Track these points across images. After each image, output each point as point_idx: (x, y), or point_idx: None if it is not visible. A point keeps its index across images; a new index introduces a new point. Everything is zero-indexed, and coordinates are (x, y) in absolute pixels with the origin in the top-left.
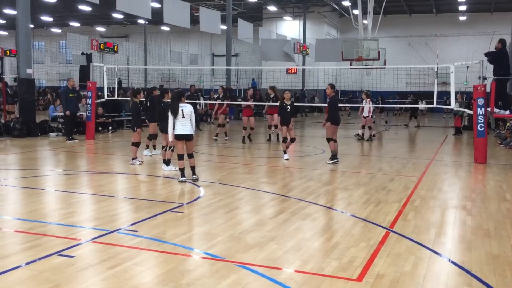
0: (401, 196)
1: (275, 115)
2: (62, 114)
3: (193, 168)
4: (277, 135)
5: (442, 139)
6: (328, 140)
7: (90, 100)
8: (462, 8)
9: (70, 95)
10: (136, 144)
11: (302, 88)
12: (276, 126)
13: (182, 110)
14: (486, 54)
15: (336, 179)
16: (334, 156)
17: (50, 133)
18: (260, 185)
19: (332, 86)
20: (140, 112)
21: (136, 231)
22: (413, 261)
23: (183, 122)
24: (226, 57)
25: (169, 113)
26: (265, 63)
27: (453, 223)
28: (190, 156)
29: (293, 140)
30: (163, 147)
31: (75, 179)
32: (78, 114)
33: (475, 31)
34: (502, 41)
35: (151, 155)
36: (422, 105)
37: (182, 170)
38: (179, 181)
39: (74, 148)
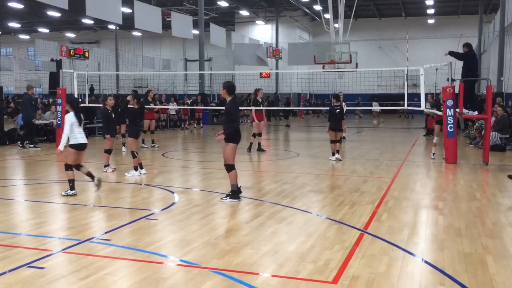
0: (374, 198)
1: (262, 122)
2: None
3: (90, 174)
4: (259, 144)
5: (414, 140)
6: (230, 168)
7: (60, 107)
8: (431, 11)
9: (33, 102)
10: (108, 151)
11: (276, 92)
12: (260, 135)
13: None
14: (452, 53)
15: (311, 182)
16: (235, 192)
17: (18, 142)
18: None
19: (227, 87)
20: (110, 118)
21: (109, 239)
22: (387, 262)
23: (80, 130)
24: (199, 62)
25: (71, 122)
26: (238, 68)
27: (425, 223)
28: (81, 166)
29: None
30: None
31: (45, 188)
32: (48, 122)
33: (443, 33)
34: (467, 45)
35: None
36: (376, 107)
37: (72, 183)
38: (70, 194)
39: (44, 157)
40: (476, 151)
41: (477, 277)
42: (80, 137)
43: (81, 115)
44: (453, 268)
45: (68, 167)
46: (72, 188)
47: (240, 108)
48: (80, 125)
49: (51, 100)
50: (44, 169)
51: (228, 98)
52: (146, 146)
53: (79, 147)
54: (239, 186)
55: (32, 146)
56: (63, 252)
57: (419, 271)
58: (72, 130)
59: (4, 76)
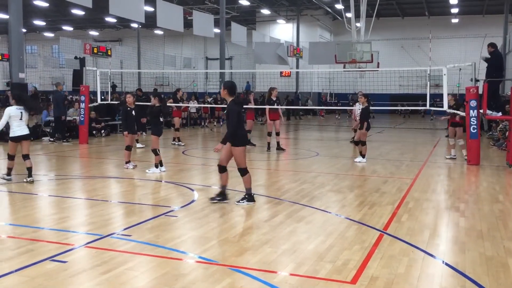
0: (394, 198)
1: (278, 122)
2: (53, 118)
3: (29, 170)
4: (277, 143)
5: (436, 141)
6: (243, 172)
7: (83, 104)
8: (454, 10)
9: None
10: (128, 148)
11: (296, 91)
12: (278, 134)
13: (22, 112)
14: (486, 60)
15: (330, 181)
16: (251, 195)
17: (43, 138)
18: (254, 188)
19: (228, 87)
20: (130, 116)
21: (129, 235)
22: (407, 263)
23: (19, 123)
24: (220, 61)
25: (9, 115)
26: (259, 66)
27: (446, 225)
28: (27, 157)
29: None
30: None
31: (68, 184)
32: (72, 119)
33: (467, 33)
34: (492, 44)
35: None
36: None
37: (10, 170)
38: (6, 178)
39: (67, 153)
40: (500, 153)
41: (499, 280)
42: (17, 130)
43: (27, 109)
44: (474, 270)
45: (9, 157)
46: (8, 174)
47: (244, 107)
48: (21, 118)
49: (74, 97)
50: (67, 165)
51: (229, 99)
52: (175, 143)
53: (16, 139)
54: (252, 194)
55: (64, 141)
56: (85, 246)
57: (440, 273)
58: (11, 123)
59: (29, 73)
